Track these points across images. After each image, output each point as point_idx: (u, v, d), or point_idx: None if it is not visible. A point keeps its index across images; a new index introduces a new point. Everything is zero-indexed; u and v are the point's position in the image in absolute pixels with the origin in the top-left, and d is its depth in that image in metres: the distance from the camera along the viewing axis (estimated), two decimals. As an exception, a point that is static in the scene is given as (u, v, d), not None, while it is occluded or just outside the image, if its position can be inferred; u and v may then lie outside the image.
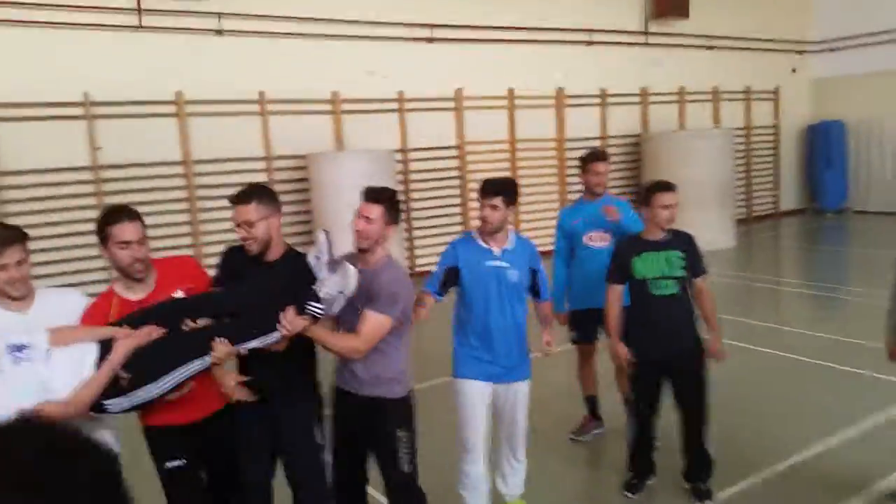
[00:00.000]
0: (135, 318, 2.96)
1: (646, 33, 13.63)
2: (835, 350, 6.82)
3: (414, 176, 11.31)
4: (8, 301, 2.88)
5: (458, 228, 11.37)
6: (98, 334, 2.90)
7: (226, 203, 3.32)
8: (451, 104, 11.57)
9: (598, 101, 13.23)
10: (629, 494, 4.35)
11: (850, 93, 15.62)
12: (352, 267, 3.09)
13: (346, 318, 3.30)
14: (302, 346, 3.18)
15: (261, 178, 9.75)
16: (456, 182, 11.72)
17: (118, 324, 2.95)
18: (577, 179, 6.36)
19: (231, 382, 3.15)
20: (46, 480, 1.02)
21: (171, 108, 9.29)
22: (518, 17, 11.93)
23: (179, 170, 9.38)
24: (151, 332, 2.91)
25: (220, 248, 3.61)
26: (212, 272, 3.39)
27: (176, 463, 3.19)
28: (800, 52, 16.07)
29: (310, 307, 3.01)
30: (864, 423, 5.17)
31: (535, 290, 4.05)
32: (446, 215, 11.64)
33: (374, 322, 3.19)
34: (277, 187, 9.77)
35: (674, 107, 14.20)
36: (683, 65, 14.13)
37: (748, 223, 15.08)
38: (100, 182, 8.80)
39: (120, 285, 3.14)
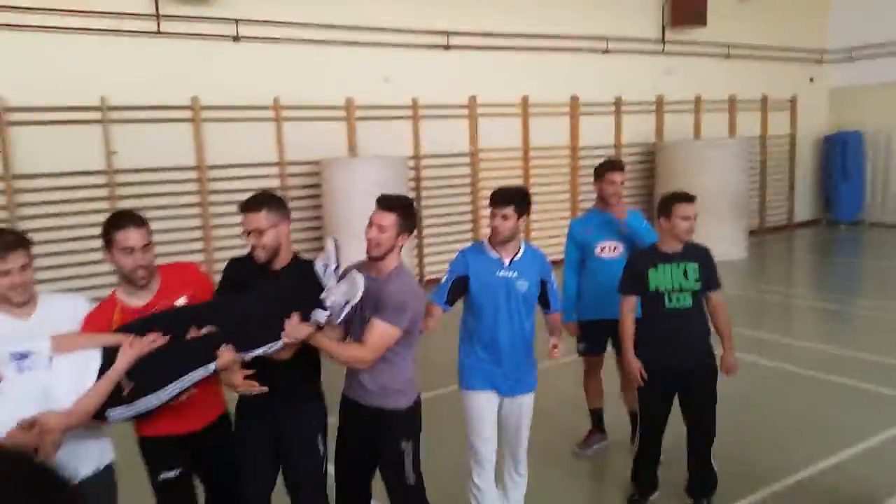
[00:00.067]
0: (138, 325, 2.93)
1: (662, 42, 13.59)
2: (846, 365, 6.75)
3: (426, 183, 11.29)
4: (10, 306, 2.85)
5: (469, 237, 11.34)
6: (102, 341, 2.87)
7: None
8: (465, 111, 11.56)
9: (612, 109, 13.20)
10: (632, 510, 4.33)
11: (868, 103, 15.45)
12: (360, 276, 3.06)
13: (355, 328, 3.29)
14: (306, 355, 3.16)
15: (274, 183, 9.78)
16: (468, 190, 11.71)
17: (120, 331, 2.93)
18: (589, 188, 6.34)
19: (239, 378, 3.04)
20: None
21: (187, 114, 9.35)
22: (533, 25, 11.91)
23: (193, 175, 9.42)
24: (156, 340, 2.88)
25: (233, 253, 3.58)
26: (218, 278, 3.37)
27: (172, 473, 3.13)
28: (818, 62, 15.96)
29: (314, 315, 3.01)
30: (874, 438, 5.12)
31: (544, 302, 4.01)
32: (457, 223, 11.62)
33: (381, 331, 3.16)
34: (290, 193, 9.85)
35: (689, 116, 14.14)
36: (700, 73, 14.06)
37: (761, 234, 14.94)
38: (114, 186, 8.86)
39: (122, 291, 3.11)
